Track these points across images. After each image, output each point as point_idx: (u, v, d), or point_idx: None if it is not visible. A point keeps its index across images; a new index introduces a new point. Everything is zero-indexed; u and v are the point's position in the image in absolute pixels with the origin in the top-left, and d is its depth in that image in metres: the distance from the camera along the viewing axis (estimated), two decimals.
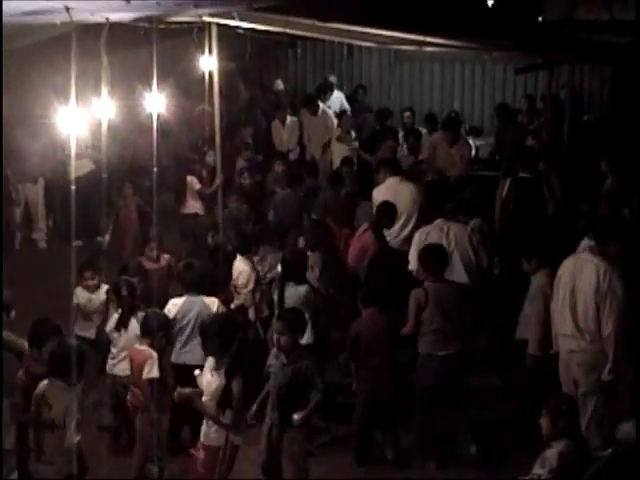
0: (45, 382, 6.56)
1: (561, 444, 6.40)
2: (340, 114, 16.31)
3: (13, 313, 7.68)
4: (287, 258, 8.76)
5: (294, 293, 8.39)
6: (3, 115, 13.47)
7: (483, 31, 11.50)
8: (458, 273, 9.06)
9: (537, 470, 6.48)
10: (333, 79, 17.43)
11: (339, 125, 14.80)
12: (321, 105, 15.64)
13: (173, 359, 8.24)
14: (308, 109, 15.42)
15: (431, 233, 9.27)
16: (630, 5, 11.93)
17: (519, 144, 13.13)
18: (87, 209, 10.79)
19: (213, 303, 8.32)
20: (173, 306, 8.27)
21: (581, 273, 7.77)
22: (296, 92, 18.10)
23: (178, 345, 8.21)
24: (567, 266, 7.94)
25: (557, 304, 7.94)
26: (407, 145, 13.67)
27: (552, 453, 6.38)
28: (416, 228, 9.93)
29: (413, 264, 9.21)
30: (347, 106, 16.88)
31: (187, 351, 8.17)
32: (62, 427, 6.41)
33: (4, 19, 7.90)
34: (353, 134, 14.66)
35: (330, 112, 15.60)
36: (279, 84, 17.49)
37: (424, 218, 10.02)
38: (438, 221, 9.43)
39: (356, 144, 14.54)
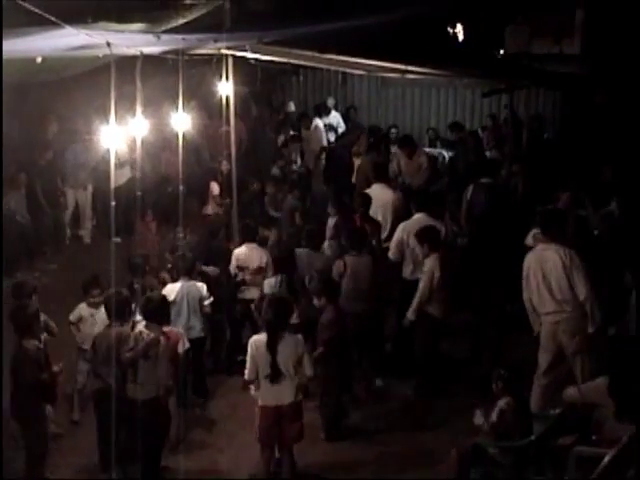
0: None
1: (502, 402, 6.53)
2: (336, 129, 16.44)
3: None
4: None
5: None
6: (55, 132, 13.56)
7: (455, 62, 11.56)
8: None
9: (477, 420, 6.60)
10: (331, 101, 17.44)
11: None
12: (314, 121, 15.80)
13: None
14: (303, 124, 15.55)
15: (412, 229, 9.21)
16: (576, 41, 12.01)
17: (477, 154, 13.13)
18: (125, 211, 10.78)
19: (203, 287, 8.49)
20: (171, 291, 8.34)
21: (547, 261, 7.82)
22: (299, 112, 18.09)
23: (181, 323, 8.19)
24: (532, 259, 7.98)
25: (533, 292, 7.94)
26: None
27: (494, 410, 6.51)
28: (394, 224, 9.88)
29: (393, 252, 9.19)
30: (342, 124, 16.91)
31: (190, 327, 8.29)
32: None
33: (60, 53, 7.99)
34: None
35: (322, 127, 15.72)
36: (291, 106, 17.57)
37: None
38: (417, 216, 9.32)
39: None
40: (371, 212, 10.10)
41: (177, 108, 10.59)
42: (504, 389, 6.59)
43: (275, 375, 6.71)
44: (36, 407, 6.80)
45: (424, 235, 8.72)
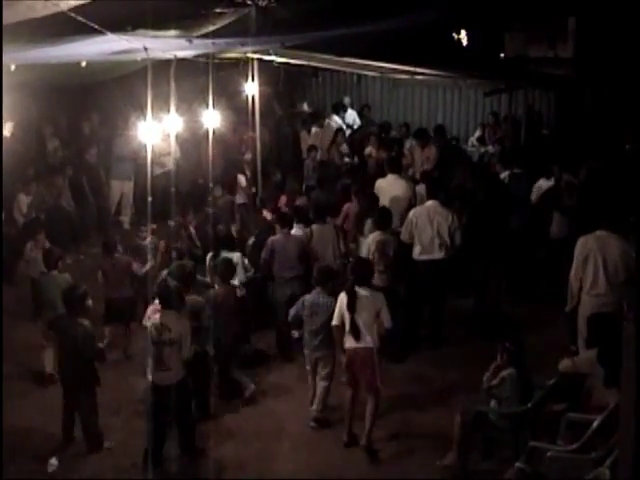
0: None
1: (505, 372, 6.53)
2: (352, 126, 16.37)
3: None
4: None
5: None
6: (98, 130, 13.62)
7: (459, 64, 11.51)
8: (435, 249, 9.06)
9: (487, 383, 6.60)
10: (347, 100, 17.34)
11: (334, 140, 14.55)
12: (326, 120, 15.68)
13: None
14: (316, 123, 15.40)
15: (421, 214, 9.15)
16: (569, 46, 11.92)
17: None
18: (162, 199, 10.81)
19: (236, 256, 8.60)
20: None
21: (608, 246, 7.73)
22: (318, 110, 18.03)
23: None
24: (592, 243, 7.81)
25: (588, 272, 7.77)
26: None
27: (499, 377, 6.51)
28: (406, 210, 9.84)
29: (403, 234, 9.17)
30: (358, 121, 16.79)
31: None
32: (179, 343, 6.69)
33: (100, 57, 8.01)
34: (346, 147, 14.59)
35: (333, 125, 15.53)
36: (305, 106, 17.46)
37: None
38: (429, 203, 9.23)
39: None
40: (385, 199, 10.09)
41: (207, 106, 10.62)
42: (508, 361, 6.56)
43: (354, 331, 6.91)
44: (93, 377, 7.03)
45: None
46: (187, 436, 6.94)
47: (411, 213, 9.23)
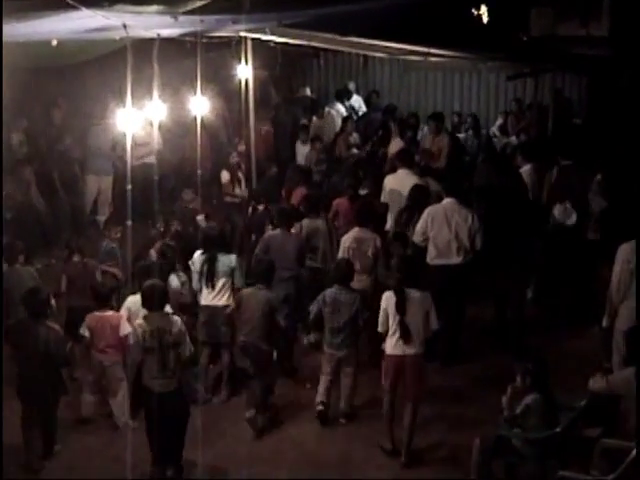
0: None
1: (528, 398, 6.46)
2: (357, 114, 16.33)
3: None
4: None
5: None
6: (72, 117, 13.59)
7: (479, 44, 11.47)
8: (452, 253, 9.03)
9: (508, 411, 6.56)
10: (352, 85, 17.36)
11: (343, 128, 14.53)
12: (327, 108, 15.63)
13: (203, 302, 8.44)
14: (315, 113, 15.36)
15: (437, 214, 9.13)
16: (603, 23, 11.88)
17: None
18: (143, 196, 10.78)
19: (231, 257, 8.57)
20: (198, 260, 8.50)
21: None
22: (319, 97, 18.02)
23: (208, 290, 8.39)
24: (630, 253, 7.75)
25: (628, 285, 7.72)
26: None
27: (522, 405, 6.45)
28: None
29: (417, 236, 9.14)
30: (364, 107, 16.80)
31: (218, 295, 8.38)
32: (180, 344, 6.95)
33: (73, 36, 7.99)
34: (356, 137, 14.56)
35: (334, 113, 15.50)
36: (307, 91, 17.41)
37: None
38: (446, 201, 9.21)
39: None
40: (393, 198, 10.16)
41: (195, 92, 10.59)
42: (532, 385, 6.50)
43: (404, 333, 7.19)
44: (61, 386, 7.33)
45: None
46: (181, 445, 7.08)
47: (426, 212, 9.20)
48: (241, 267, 8.66)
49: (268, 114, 15.38)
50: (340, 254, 8.90)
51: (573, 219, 10.24)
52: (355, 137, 14.55)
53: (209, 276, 8.37)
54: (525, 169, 11.26)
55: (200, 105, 10.75)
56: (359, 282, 8.52)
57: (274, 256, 8.85)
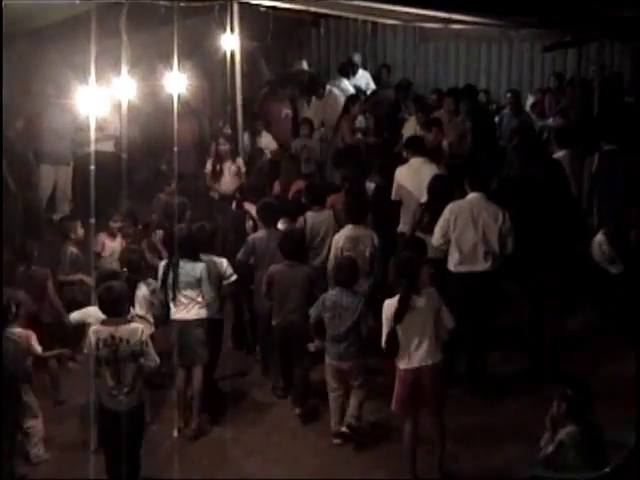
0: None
1: (563, 432, 6.45)
2: (364, 93, 16.33)
3: None
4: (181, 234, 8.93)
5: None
6: (31, 97, 13.59)
7: (510, 7, 11.44)
8: (479, 258, 9.02)
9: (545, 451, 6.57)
10: (357, 58, 17.28)
11: (347, 109, 14.53)
12: (327, 87, 15.57)
13: (172, 316, 8.55)
14: (314, 93, 15.31)
15: (461, 211, 9.08)
16: None
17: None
18: (108, 190, 10.79)
19: (222, 263, 8.83)
20: (161, 267, 8.63)
21: None
22: (319, 72, 18.04)
23: (173, 303, 8.53)
24: None
25: None
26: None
27: (555, 442, 6.44)
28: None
29: (437, 238, 9.14)
30: (373, 85, 16.82)
31: (185, 308, 8.50)
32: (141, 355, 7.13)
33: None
34: (363, 120, 14.60)
35: (336, 92, 15.45)
36: (304, 64, 17.33)
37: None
38: (472, 196, 9.17)
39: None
40: (406, 192, 10.27)
41: (171, 67, 10.62)
42: (568, 414, 6.49)
43: (391, 345, 7.38)
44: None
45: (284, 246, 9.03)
46: (136, 468, 7.26)
47: (447, 209, 9.15)
48: (211, 277, 8.66)
49: (258, 93, 15.40)
50: (332, 256, 9.22)
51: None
52: (361, 120, 14.53)
53: (172, 287, 8.47)
54: (560, 156, 11.24)
55: (177, 82, 10.79)
56: (356, 287, 8.62)
57: (260, 259, 9.18)
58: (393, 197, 10.63)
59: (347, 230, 9.28)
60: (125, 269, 8.67)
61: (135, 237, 10.06)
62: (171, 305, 8.51)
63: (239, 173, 12.31)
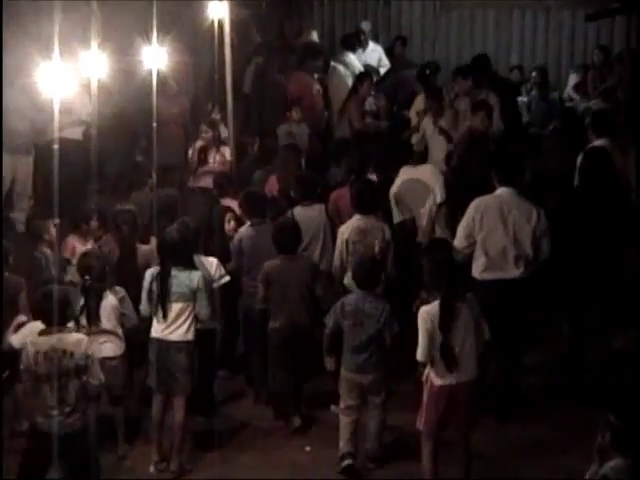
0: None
1: (607, 466, 6.43)
2: (378, 70, 16.31)
3: None
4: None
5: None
6: None
7: None
8: (509, 263, 9.03)
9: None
10: (366, 26, 17.17)
11: (355, 89, 14.51)
12: (332, 63, 15.66)
13: (153, 333, 8.52)
14: (315, 68, 15.29)
15: (488, 208, 9.09)
16: None
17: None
18: (74, 184, 10.80)
19: (212, 263, 9.06)
20: (148, 275, 8.60)
21: None
22: (323, 45, 18.00)
23: (158, 318, 8.49)
24: None
25: None
26: None
27: (600, 476, 6.43)
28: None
29: (460, 240, 9.14)
30: (386, 61, 16.83)
31: (172, 325, 8.48)
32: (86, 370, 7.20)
33: None
34: (373, 102, 14.60)
35: (342, 71, 15.48)
36: (313, 35, 17.22)
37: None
38: (501, 192, 9.17)
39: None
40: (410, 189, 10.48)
41: (149, 40, 10.63)
42: (613, 445, 6.48)
43: (449, 360, 7.50)
44: None
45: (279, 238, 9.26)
46: None
47: (472, 206, 9.17)
48: (207, 288, 8.68)
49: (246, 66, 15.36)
50: (337, 251, 9.54)
51: None
52: (371, 102, 14.55)
53: (160, 299, 8.41)
54: (599, 145, 11.21)
55: (157, 58, 10.79)
56: None
57: (249, 260, 9.44)
58: (391, 195, 10.91)
59: (354, 221, 9.50)
60: (87, 277, 8.55)
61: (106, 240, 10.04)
62: (153, 320, 8.48)
63: (225, 164, 12.37)
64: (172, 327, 8.40)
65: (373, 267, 8.53)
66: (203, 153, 12.41)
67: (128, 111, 13.59)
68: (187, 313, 8.40)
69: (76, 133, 11.98)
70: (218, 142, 12.48)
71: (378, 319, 8.16)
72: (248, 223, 9.83)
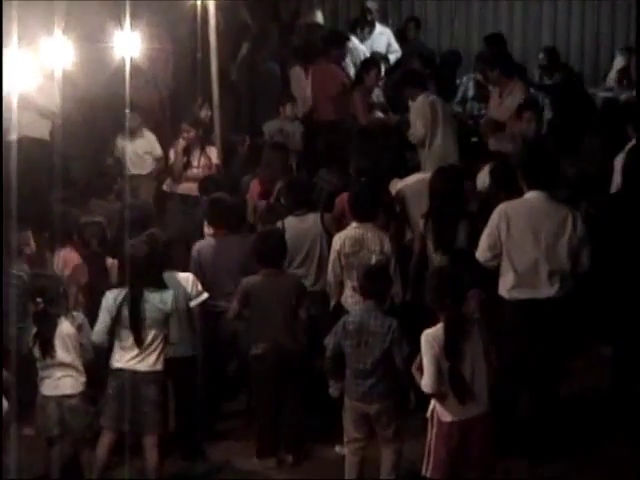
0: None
1: None
2: (387, 57, 16.36)
3: None
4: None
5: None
6: None
7: None
8: (542, 279, 8.97)
9: None
10: (372, 4, 17.27)
11: (360, 79, 14.62)
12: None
13: (116, 364, 8.51)
14: (307, 58, 15.31)
15: (516, 215, 9.02)
16: None
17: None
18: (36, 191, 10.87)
19: (187, 279, 9.08)
20: (111, 298, 8.55)
21: None
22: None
23: (124, 346, 8.48)
24: None
25: None
26: None
27: None
28: None
29: (483, 252, 9.11)
30: (396, 46, 16.94)
31: (141, 354, 8.48)
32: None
33: None
34: (381, 94, 14.68)
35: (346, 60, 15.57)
36: (318, 16, 17.34)
37: None
38: (530, 196, 9.13)
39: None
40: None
41: (122, 25, 10.68)
42: None
43: (459, 391, 7.51)
44: None
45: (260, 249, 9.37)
46: None
47: (496, 212, 9.12)
48: (180, 311, 8.78)
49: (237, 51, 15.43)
50: (331, 265, 9.68)
51: None
52: (378, 93, 14.63)
53: (132, 325, 8.42)
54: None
55: (130, 44, 10.84)
56: (357, 302, 8.99)
57: (209, 275, 9.57)
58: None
59: (350, 229, 9.63)
60: (39, 299, 8.49)
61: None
62: (117, 348, 8.48)
63: (210, 166, 12.46)
64: (141, 356, 8.43)
65: (380, 275, 8.56)
66: (186, 155, 12.41)
67: (97, 106, 13.61)
68: (159, 340, 8.46)
69: (41, 131, 11.96)
70: (203, 142, 12.48)
71: (384, 338, 8.11)
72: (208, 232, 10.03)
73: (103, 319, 8.48)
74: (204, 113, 12.92)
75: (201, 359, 9.39)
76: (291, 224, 10.07)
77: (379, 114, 14.51)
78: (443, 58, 16.02)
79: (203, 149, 12.54)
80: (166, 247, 9.03)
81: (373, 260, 9.38)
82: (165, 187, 12.61)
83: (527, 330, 8.97)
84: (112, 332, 8.48)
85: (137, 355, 8.42)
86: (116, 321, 8.43)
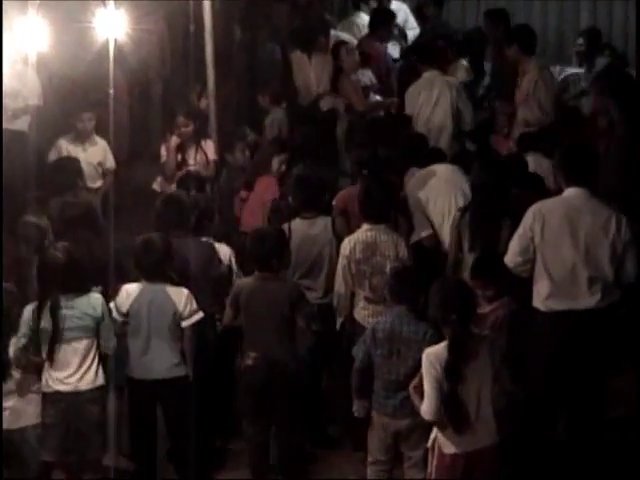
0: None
1: None
2: (405, 36, 16.60)
3: None
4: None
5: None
6: None
7: None
8: (582, 288, 9.02)
9: None
10: None
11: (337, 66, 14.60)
12: (332, 33, 15.80)
13: (51, 385, 8.56)
14: (304, 45, 15.28)
15: (552, 215, 9.00)
16: None
17: None
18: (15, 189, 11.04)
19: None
20: (28, 312, 8.59)
21: None
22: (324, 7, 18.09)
23: (52, 364, 8.59)
24: None
25: None
26: None
27: None
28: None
29: (513, 256, 9.14)
30: (414, 23, 17.15)
31: (77, 372, 8.57)
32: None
33: None
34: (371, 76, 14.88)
35: (350, 40, 15.63)
36: None
37: None
38: (569, 193, 9.14)
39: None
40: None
41: (105, 3, 10.79)
42: None
43: (456, 419, 7.57)
44: None
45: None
46: None
47: (530, 212, 9.08)
48: (112, 316, 8.88)
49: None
50: (339, 273, 9.75)
51: None
52: (369, 74, 14.74)
53: (54, 340, 8.51)
54: None
55: (115, 25, 10.93)
56: (372, 314, 9.29)
57: None
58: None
59: (361, 232, 9.70)
60: None
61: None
62: (47, 367, 8.55)
63: (208, 163, 12.71)
64: (79, 373, 8.54)
65: (410, 277, 8.63)
66: (181, 152, 12.54)
67: (77, 95, 13.73)
68: (93, 351, 8.58)
69: (21, 123, 12.09)
70: (199, 137, 12.73)
71: (419, 346, 8.08)
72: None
73: (22, 336, 8.52)
74: (204, 103, 12.99)
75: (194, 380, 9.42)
76: (298, 228, 10.19)
77: (376, 97, 14.72)
78: (467, 36, 16.06)
79: (198, 144, 12.62)
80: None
81: (387, 267, 9.41)
82: (155, 186, 12.62)
83: (565, 345, 8.95)
84: (37, 349, 8.50)
85: (74, 373, 8.52)
86: (35, 334, 8.49)
